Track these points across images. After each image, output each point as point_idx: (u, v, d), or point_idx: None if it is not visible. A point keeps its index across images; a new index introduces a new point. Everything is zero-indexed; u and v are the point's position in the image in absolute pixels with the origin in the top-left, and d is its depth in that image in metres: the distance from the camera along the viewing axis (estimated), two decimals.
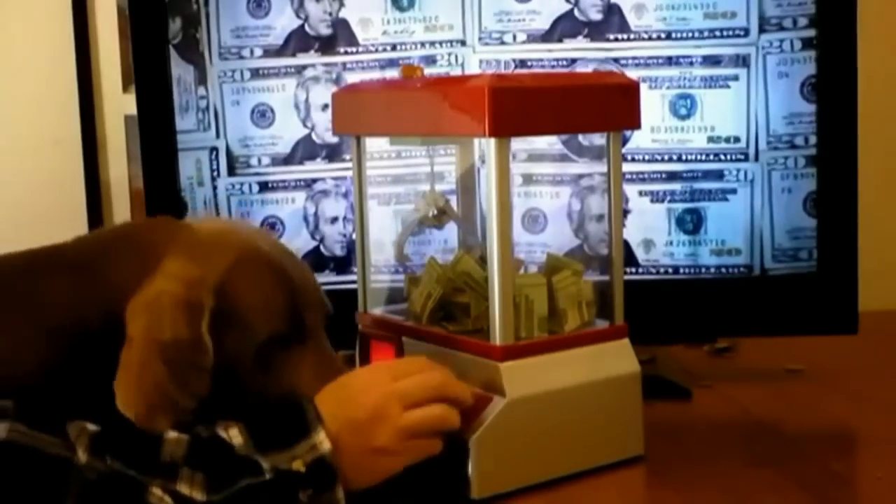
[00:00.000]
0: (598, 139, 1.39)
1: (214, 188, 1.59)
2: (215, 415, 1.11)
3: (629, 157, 1.53)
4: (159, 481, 1.03)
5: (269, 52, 1.58)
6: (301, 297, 1.19)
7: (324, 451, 1.08)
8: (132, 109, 1.60)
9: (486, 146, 1.19)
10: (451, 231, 1.44)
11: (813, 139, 1.53)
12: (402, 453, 1.13)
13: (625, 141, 1.51)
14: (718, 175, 1.55)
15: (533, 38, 1.56)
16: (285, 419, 1.11)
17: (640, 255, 1.57)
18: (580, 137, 1.52)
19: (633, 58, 1.54)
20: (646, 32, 1.55)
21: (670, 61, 1.55)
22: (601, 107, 1.26)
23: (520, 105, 1.20)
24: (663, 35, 1.55)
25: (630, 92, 1.28)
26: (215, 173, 1.59)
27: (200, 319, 1.11)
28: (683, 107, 1.55)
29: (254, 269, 1.17)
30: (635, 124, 1.30)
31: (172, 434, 1.07)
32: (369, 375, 1.18)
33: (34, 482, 1.00)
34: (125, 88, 2.05)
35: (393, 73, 1.54)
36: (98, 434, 1.04)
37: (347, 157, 1.53)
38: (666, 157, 1.56)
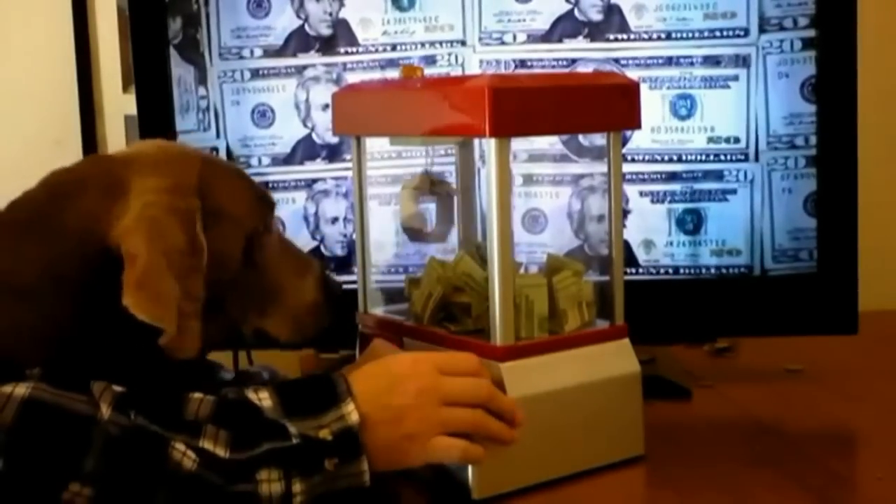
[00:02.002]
0: (599, 139, 1.39)
1: None
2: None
3: (629, 158, 1.53)
4: (183, 437, 1.04)
5: (269, 53, 1.58)
6: (258, 190, 1.26)
7: (351, 422, 1.09)
8: (132, 109, 1.60)
9: (486, 146, 1.19)
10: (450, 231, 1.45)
11: (813, 139, 1.53)
12: (429, 447, 1.13)
13: (625, 141, 1.51)
14: (718, 175, 1.56)
15: (533, 38, 1.56)
16: (315, 389, 1.12)
17: (640, 255, 1.57)
18: (580, 138, 1.52)
19: (633, 58, 1.54)
20: (646, 33, 1.55)
21: (670, 61, 1.55)
22: (601, 107, 1.26)
23: (520, 105, 1.20)
24: (663, 35, 1.55)
25: (630, 92, 1.28)
26: None
27: (194, 223, 1.14)
28: (683, 107, 1.55)
29: (219, 170, 1.23)
30: (635, 124, 1.30)
31: (197, 395, 1.08)
32: (414, 364, 1.17)
33: (57, 438, 1.01)
34: (125, 88, 2.05)
35: (393, 74, 1.54)
36: (122, 392, 1.05)
37: (347, 157, 1.53)
38: (666, 158, 1.56)
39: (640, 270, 1.56)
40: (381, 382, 1.14)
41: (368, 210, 1.40)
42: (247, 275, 1.21)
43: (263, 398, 1.09)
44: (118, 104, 2.06)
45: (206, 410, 1.07)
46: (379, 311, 1.39)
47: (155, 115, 1.58)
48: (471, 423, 1.15)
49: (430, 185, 1.39)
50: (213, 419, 1.06)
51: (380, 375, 1.15)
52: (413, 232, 1.41)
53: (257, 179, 1.56)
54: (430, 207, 1.42)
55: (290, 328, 1.26)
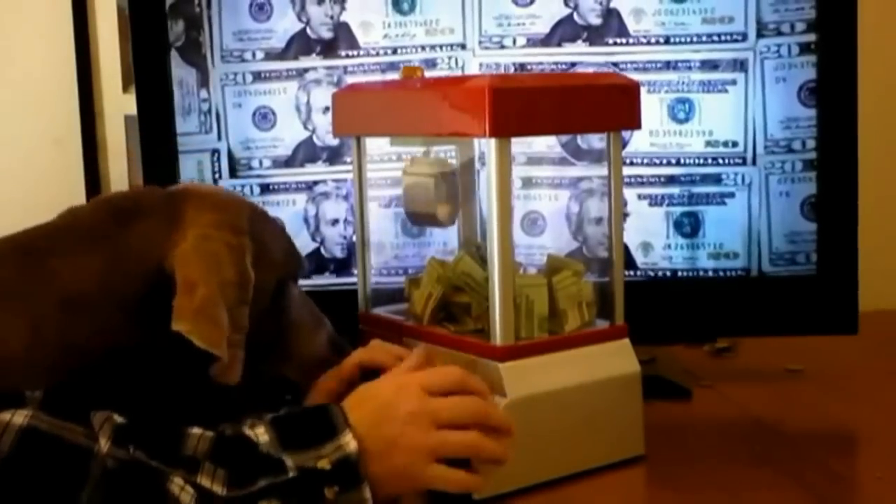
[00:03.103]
0: (597, 142, 1.40)
1: None
2: None
3: (628, 161, 1.54)
4: (181, 472, 1.03)
5: (270, 55, 1.58)
6: (291, 243, 1.31)
7: (350, 450, 1.08)
8: (132, 109, 1.60)
9: (486, 147, 1.19)
10: (451, 232, 1.45)
11: (810, 143, 1.54)
12: (427, 475, 1.13)
13: (623, 144, 1.52)
14: (716, 179, 1.56)
15: (533, 42, 1.56)
16: (312, 422, 1.11)
17: (638, 258, 1.57)
18: (579, 140, 1.53)
19: (632, 62, 1.55)
20: (644, 37, 1.56)
21: (669, 66, 1.56)
22: (601, 107, 1.27)
23: (520, 105, 1.20)
24: (662, 40, 1.55)
25: (630, 92, 1.29)
26: (217, 175, 1.59)
27: (244, 257, 1.17)
28: (682, 111, 1.56)
29: (263, 217, 1.27)
30: (635, 124, 1.30)
31: (196, 430, 1.07)
32: (399, 389, 1.16)
33: (54, 469, 1.00)
34: (125, 88, 2.05)
35: (394, 77, 1.55)
36: (122, 425, 1.04)
37: (348, 159, 1.53)
38: (664, 161, 1.57)
39: (638, 273, 1.57)
40: (372, 411, 1.13)
41: (368, 210, 1.40)
42: (269, 318, 1.24)
43: (260, 433, 1.08)
44: (118, 104, 2.06)
45: (205, 447, 1.06)
46: (379, 310, 1.39)
47: (155, 118, 1.58)
48: (464, 447, 1.15)
49: (431, 166, 1.39)
50: (211, 456, 1.05)
51: (369, 403, 1.15)
52: (419, 216, 1.41)
53: (259, 182, 1.59)
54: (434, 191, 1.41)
55: (296, 376, 1.29)
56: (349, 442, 1.09)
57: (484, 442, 1.15)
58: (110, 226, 1.18)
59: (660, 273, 1.57)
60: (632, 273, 1.55)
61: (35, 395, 1.03)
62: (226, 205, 1.22)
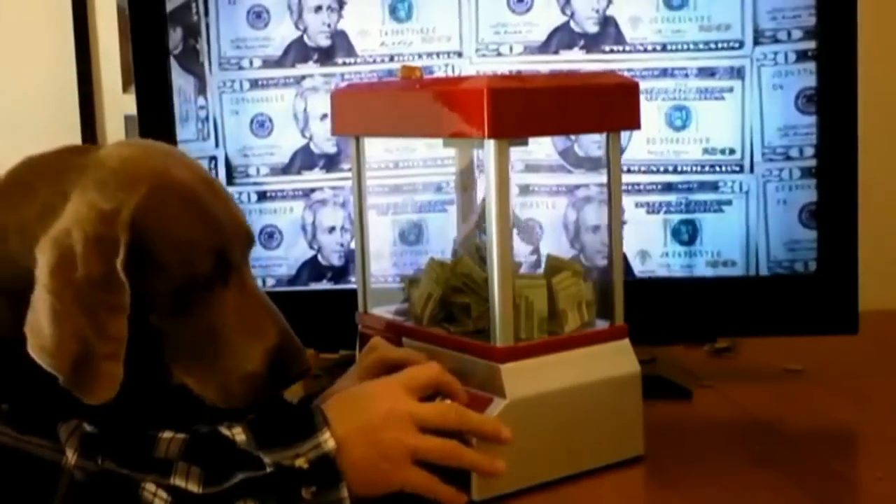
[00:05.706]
0: (595, 150, 1.40)
1: None
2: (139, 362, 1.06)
3: (625, 168, 1.53)
4: (153, 477, 1.02)
5: (268, 63, 1.59)
6: (223, 233, 1.11)
7: (328, 448, 1.07)
8: (132, 109, 1.61)
9: (485, 148, 1.19)
10: (449, 233, 1.45)
11: (808, 151, 1.54)
12: (404, 475, 1.12)
13: (621, 151, 1.52)
14: (714, 186, 1.56)
15: (529, 49, 1.57)
16: (290, 420, 1.10)
17: (636, 266, 1.57)
18: (576, 148, 1.53)
19: (629, 70, 1.55)
20: (641, 44, 1.56)
21: (665, 73, 1.56)
22: (601, 107, 1.27)
23: (519, 106, 1.20)
24: (658, 47, 1.56)
25: (629, 92, 1.29)
26: None
27: (115, 255, 1.02)
28: (679, 118, 1.56)
29: (170, 203, 1.08)
30: (635, 124, 1.30)
31: (167, 433, 1.05)
32: (382, 386, 1.16)
33: (20, 485, 1.00)
34: (125, 88, 2.06)
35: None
36: (91, 434, 1.02)
37: (345, 166, 1.53)
38: (661, 169, 1.57)
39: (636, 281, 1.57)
40: (353, 405, 1.13)
41: (367, 209, 1.40)
42: (180, 324, 1.09)
43: (237, 433, 1.07)
44: (118, 104, 2.07)
45: (177, 447, 1.04)
46: (378, 311, 1.39)
47: (156, 125, 1.58)
48: (441, 454, 1.14)
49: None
50: (185, 456, 1.03)
51: (351, 400, 1.15)
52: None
53: (256, 189, 1.59)
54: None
55: (215, 391, 1.12)
56: (327, 440, 1.07)
57: (463, 451, 1.15)
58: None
59: (658, 282, 1.57)
60: (630, 281, 1.55)
61: (2, 408, 1.02)
62: (118, 187, 1.06)
